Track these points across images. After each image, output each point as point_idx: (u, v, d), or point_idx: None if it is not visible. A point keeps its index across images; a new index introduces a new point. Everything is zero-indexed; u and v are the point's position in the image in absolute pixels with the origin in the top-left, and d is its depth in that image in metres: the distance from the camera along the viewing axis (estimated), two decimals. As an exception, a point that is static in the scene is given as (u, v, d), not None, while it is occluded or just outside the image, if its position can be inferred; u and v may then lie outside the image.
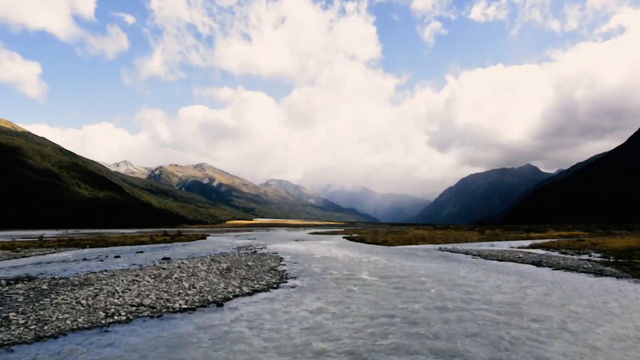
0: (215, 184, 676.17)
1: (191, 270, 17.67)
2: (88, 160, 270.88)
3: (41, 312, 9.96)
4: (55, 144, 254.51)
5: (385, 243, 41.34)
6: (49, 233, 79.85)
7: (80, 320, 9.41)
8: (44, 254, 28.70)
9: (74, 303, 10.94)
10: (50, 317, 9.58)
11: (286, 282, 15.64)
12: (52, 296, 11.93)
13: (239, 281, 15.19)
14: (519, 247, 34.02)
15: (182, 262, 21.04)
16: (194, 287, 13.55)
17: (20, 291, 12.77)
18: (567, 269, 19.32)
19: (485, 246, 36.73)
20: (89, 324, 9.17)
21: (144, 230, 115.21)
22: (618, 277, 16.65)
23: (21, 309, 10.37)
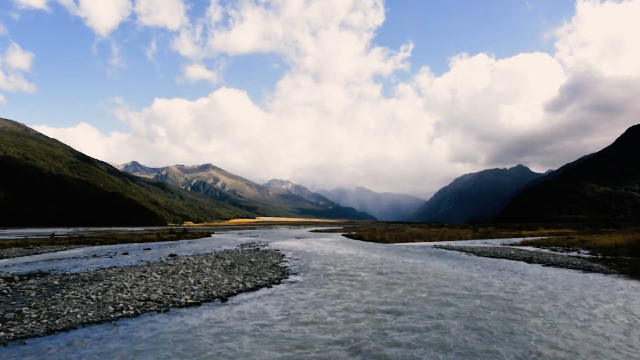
0: (219, 184, 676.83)
1: (196, 266, 17.67)
2: (97, 161, 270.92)
3: (53, 307, 9.96)
4: (67, 145, 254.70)
5: (382, 240, 41.32)
6: (60, 231, 79.87)
7: (90, 314, 9.41)
8: (55, 251, 28.70)
9: (84, 298, 10.94)
10: (62, 311, 9.58)
11: (288, 277, 15.63)
12: (63, 291, 11.93)
13: (242, 277, 15.19)
14: (511, 245, 34.00)
15: (188, 259, 21.04)
16: (199, 283, 13.55)
17: (33, 286, 12.78)
18: (557, 265, 19.31)
19: (478, 243, 36.70)
20: (99, 318, 9.17)
21: (152, 228, 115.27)
22: (606, 272, 16.64)
23: (34, 303, 10.38)
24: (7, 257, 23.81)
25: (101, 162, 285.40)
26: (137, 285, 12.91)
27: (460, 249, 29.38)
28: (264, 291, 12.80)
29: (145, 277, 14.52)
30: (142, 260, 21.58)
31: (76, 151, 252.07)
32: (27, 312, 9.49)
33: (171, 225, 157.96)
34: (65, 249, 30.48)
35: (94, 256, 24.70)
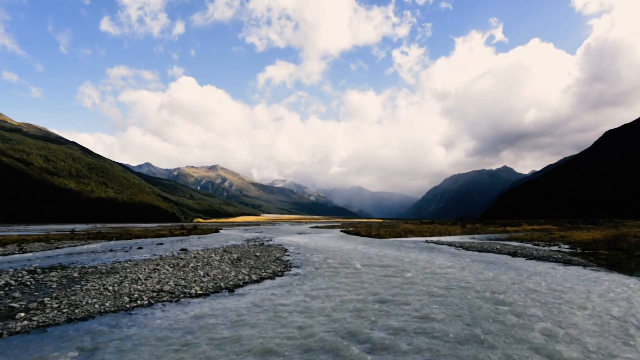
0: (226, 183, 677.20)
1: (206, 260, 17.67)
2: (114, 162, 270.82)
3: (72, 297, 9.97)
4: (85, 148, 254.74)
5: (377, 236, 41.30)
6: (79, 227, 79.82)
7: (107, 304, 9.42)
8: (75, 246, 28.69)
9: (101, 289, 10.94)
10: (81, 301, 9.59)
11: (290, 270, 15.62)
12: (82, 283, 11.93)
13: (248, 270, 15.18)
14: (497, 239, 33.98)
15: (198, 253, 21.03)
16: (208, 275, 13.55)
17: (54, 278, 12.78)
18: (539, 258, 19.29)
19: (466, 239, 36.70)
20: (115, 308, 9.17)
21: (164, 224, 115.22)
22: (584, 266, 16.64)
23: (55, 294, 10.38)
24: (31, 252, 23.80)
25: (116, 163, 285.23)
26: (151, 277, 12.91)
27: (450, 244, 29.38)
28: (268, 283, 12.80)
29: (158, 270, 14.52)
30: (155, 254, 21.56)
31: (94, 153, 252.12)
32: (49, 302, 9.49)
33: (182, 222, 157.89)
34: (84, 244, 30.46)
35: (111, 250, 24.69)
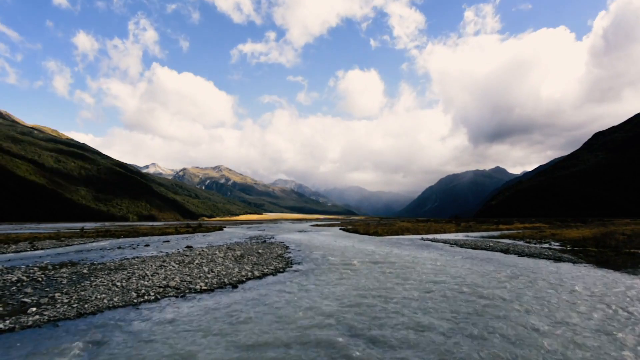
0: (230, 183, 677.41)
1: (210, 257, 17.67)
2: (122, 163, 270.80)
3: (82, 293, 9.97)
4: (94, 149, 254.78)
5: (375, 234, 41.29)
6: (88, 225, 79.82)
7: (115, 299, 9.42)
8: (84, 243, 28.69)
9: (110, 285, 10.95)
10: (90, 297, 9.59)
11: (291, 266, 15.61)
12: (92, 279, 11.93)
13: (251, 266, 15.18)
14: (490, 237, 33.98)
15: (203, 250, 21.03)
16: (213, 272, 13.55)
17: (65, 275, 12.79)
18: (531, 255, 19.29)
19: (461, 236, 36.68)
20: (123, 303, 9.17)
21: (170, 222, 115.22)
22: (574, 262, 16.64)
23: (65, 290, 10.39)
24: (42, 249, 23.82)
25: (125, 164, 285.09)
26: (157, 273, 12.91)
27: (445, 241, 29.36)
28: (270, 279, 12.80)
29: (164, 266, 14.52)
30: (161, 252, 21.56)
31: (104, 154, 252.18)
32: (60, 297, 9.50)
33: (187, 220, 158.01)
34: (93, 242, 30.47)
35: (119, 248, 24.69)
